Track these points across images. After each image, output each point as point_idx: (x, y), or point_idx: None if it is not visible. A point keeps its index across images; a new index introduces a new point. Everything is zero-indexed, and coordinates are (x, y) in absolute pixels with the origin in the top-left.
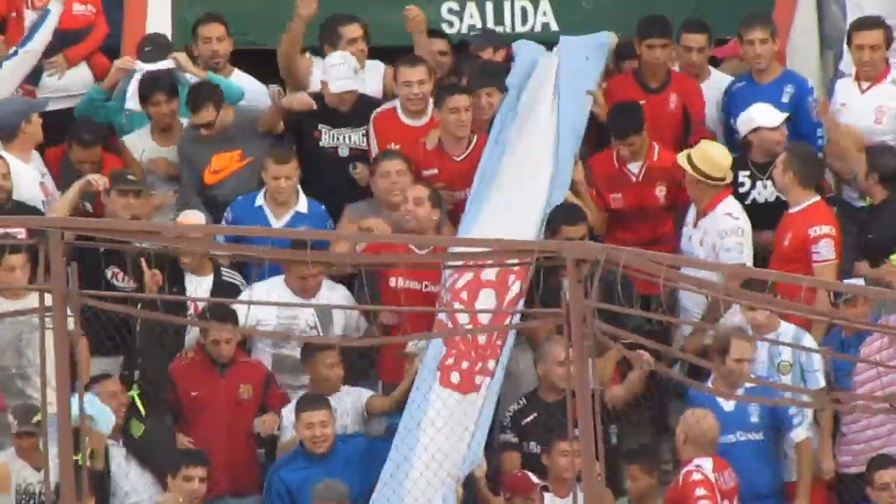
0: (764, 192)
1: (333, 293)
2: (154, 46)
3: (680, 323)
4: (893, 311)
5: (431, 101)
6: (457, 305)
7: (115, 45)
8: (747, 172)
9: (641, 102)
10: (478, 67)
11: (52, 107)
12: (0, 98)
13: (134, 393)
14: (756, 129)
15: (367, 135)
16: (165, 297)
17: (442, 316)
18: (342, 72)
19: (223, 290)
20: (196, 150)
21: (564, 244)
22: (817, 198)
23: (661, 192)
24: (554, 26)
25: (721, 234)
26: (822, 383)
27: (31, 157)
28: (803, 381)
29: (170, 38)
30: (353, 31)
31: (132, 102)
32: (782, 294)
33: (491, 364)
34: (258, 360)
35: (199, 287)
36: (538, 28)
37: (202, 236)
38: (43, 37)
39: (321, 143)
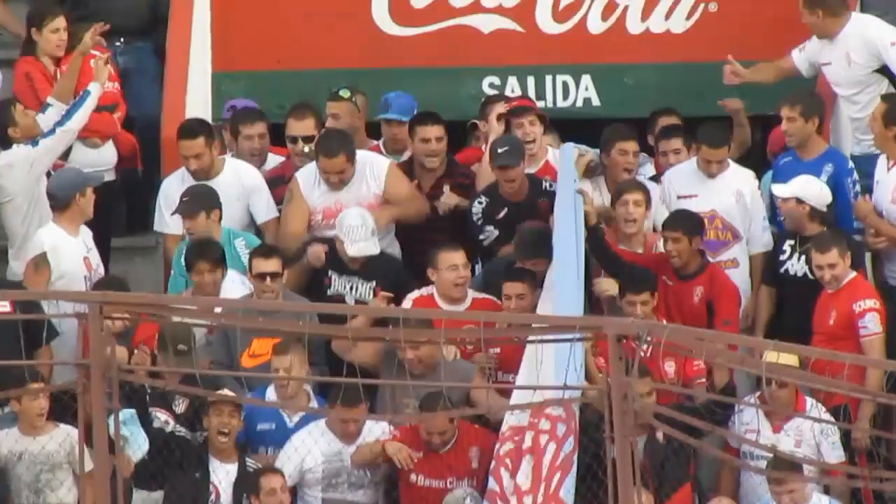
0: (796, 265)
1: (375, 426)
2: (192, 197)
3: (733, 402)
4: None
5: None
6: (503, 472)
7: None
8: (792, 241)
9: (670, 283)
10: (526, 237)
11: None
12: (45, 172)
13: None
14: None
15: (376, 292)
16: (206, 372)
17: (493, 485)
18: (360, 234)
19: (247, 478)
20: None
21: (606, 320)
22: (854, 273)
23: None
24: (596, 101)
25: None
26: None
27: (80, 230)
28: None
29: (209, 111)
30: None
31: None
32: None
33: None
34: None
35: (224, 474)
36: (580, 103)
37: (242, 313)
38: (81, 116)
39: (329, 291)
